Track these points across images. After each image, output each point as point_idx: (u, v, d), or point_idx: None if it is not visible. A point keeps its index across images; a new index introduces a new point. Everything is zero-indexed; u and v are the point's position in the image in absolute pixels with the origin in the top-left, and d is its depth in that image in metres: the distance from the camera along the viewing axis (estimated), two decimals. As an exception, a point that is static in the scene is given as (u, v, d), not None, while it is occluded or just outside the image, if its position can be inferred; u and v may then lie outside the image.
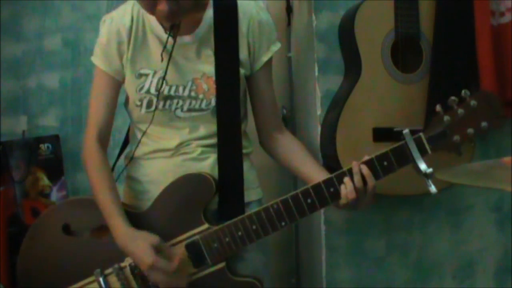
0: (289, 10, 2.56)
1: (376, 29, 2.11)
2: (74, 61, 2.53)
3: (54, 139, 2.50)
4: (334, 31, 2.23)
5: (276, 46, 1.85)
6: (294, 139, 1.94)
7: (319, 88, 2.23)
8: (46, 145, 2.49)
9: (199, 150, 1.80)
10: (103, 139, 1.83)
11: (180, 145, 1.80)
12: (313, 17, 2.23)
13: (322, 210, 2.23)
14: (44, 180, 2.49)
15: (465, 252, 2.36)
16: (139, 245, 1.69)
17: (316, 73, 2.23)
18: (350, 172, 1.69)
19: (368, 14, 2.11)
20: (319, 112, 2.23)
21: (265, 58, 1.83)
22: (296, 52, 2.56)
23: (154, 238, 1.70)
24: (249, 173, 1.87)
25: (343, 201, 1.70)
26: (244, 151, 1.85)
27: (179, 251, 1.73)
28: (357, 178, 1.68)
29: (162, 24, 1.77)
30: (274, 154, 1.93)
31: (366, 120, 2.11)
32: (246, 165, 1.85)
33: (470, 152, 2.18)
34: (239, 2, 1.80)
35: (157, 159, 1.82)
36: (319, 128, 2.23)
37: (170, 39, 1.74)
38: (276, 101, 1.92)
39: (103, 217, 1.75)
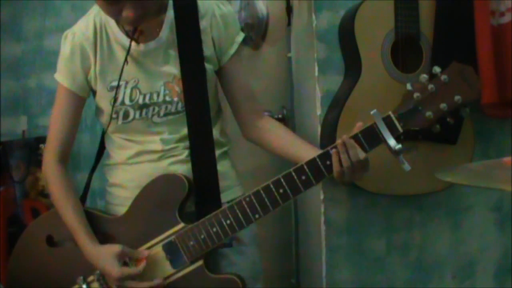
0: (289, 10, 2.55)
1: (376, 29, 2.11)
2: (74, 61, 2.53)
3: (54, 139, 2.50)
4: (334, 31, 2.23)
5: (241, 37, 1.86)
6: (277, 123, 1.94)
7: (319, 88, 2.23)
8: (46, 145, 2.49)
9: (186, 152, 1.80)
10: (64, 157, 1.85)
11: (166, 148, 1.80)
12: (313, 17, 2.22)
13: (322, 210, 2.23)
14: (44, 180, 2.49)
15: (465, 252, 2.35)
16: (103, 261, 1.72)
17: (316, 73, 2.22)
18: (320, 158, 1.68)
19: (368, 14, 2.11)
20: (319, 112, 2.23)
21: (231, 51, 1.84)
22: (296, 52, 2.55)
23: (115, 248, 1.72)
24: (231, 172, 1.87)
25: (336, 169, 1.67)
26: (224, 149, 1.86)
27: (144, 252, 1.74)
28: (335, 158, 1.67)
29: (125, 31, 1.76)
30: (260, 142, 1.92)
31: (366, 120, 2.10)
32: (226, 164, 1.86)
33: (470, 152, 2.18)
34: (198, 0, 1.80)
35: (143, 164, 1.82)
36: (319, 128, 2.22)
37: (134, 43, 1.74)
38: (251, 89, 1.92)
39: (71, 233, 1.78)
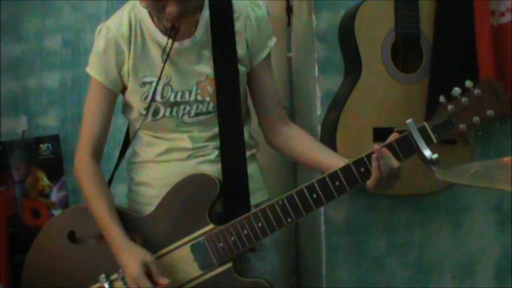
0: (289, 10, 2.56)
1: (376, 29, 2.11)
2: (74, 61, 2.53)
3: (54, 139, 2.50)
4: (334, 31, 2.23)
5: (272, 41, 1.84)
6: (302, 130, 1.90)
7: (319, 88, 2.23)
8: (46, 145, 2.49)
9: (216, 152, 1.79)
10: (97, 153, 1.81)
11: (196, 146, 1.78)
12: (313, 17, 2.23)
13: (322, 210, 2.23)
14: (44, 180, 2.48)
15: (465, 252, 2.36)
16: (131, 259, 1.69)
17: (316, 73, 2.23)
18: (355, 164, 1.66)
19: (368, 14, 2.11)
20: (319, 112, 2.23)
21: (263, 55, 1.82)
22: (296, 52, 2.56)
23: (148, 257, 1.69)
24: (258, 175, 1.86)
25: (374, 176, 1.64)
26: (252, 151, 1.84)
27: (166, 280, 1.69)
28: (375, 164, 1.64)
29: (160, 28, 1.75)
30: (284, 149, 1.88)
31: (366, 120, 2.11)
32: (254, 166, 1.84)
33: (470, 152, 2.18)
34: (233, 2, 1.79)
35: (172, 162, 1.79)
36: (319, 128, 2.23)
37: (169, 40, 1.73)
38: (279, 94, 1.90)
39: (99, 227, 1.74)
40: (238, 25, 1.78)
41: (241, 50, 1.78)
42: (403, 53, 2.11)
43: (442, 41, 2.12)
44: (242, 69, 1.79)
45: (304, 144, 1.85)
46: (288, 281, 2.68)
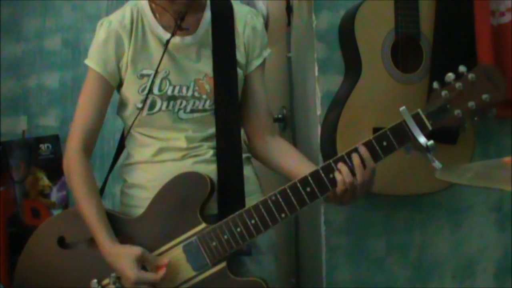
0: (289, 10, 2.55)
1: (376, 29, 2.11)
2: (74, 61, 2.54)
3: (54, 139, 2.50)
4: (334, 31, 2.23)
5: (267, 52, 1.87)
6: (290, 144, 1.91)
7: (319, 88, 2.23)
8: (46, 145, 2.49)
9: (211, 151, 1.78)
10: (88, 147, 1.78)
11: (191, 146, 1.77)
12: (313, 17, 2.23)
13: (322, 210, 2.23)
14: (44, 180, 2.49)
15: (465, 252, 2.36)
16: (122, 262, 1.66)
17: (316, 73, 2.23)
18: (348, 156, 1.65)
19: (368, 14, 2.11)
20: (319, 112, 2.23)
21: (257, 63, 1.85)
22: (296, 52, 2.55)
23: (136, 251, 1.66)
24: (254, 178, 1.85)
25: (340, 187, 1.64)
26: (247, 154, 1.84)
27: (165, 260, 1.69)
28: (356, 160, 1.64)
29: (162, 24, 1.78)
30: (267, 159, 1.87)
31: (366, 120, 2.11)
32: (250, 169, 1.83)
33: (470, 152, 2.18)
34: (234, 6, 1.83)
35: (166, 162, 1.78)
36: (319, 128, 2.23)
37: (173, 38, 1.75)
38: (269, 105, 1.91)
39: (88, 228, 1.72)
40: (237, 29, 1.80)
41: (239, 54, 1.80)
42: (403, 53, 2.11)
43: (442, 41, 2.12)
44: (240, 71, 1.80)
45: (287, 156, 1.83)
46: (288, 281, 2.68)
